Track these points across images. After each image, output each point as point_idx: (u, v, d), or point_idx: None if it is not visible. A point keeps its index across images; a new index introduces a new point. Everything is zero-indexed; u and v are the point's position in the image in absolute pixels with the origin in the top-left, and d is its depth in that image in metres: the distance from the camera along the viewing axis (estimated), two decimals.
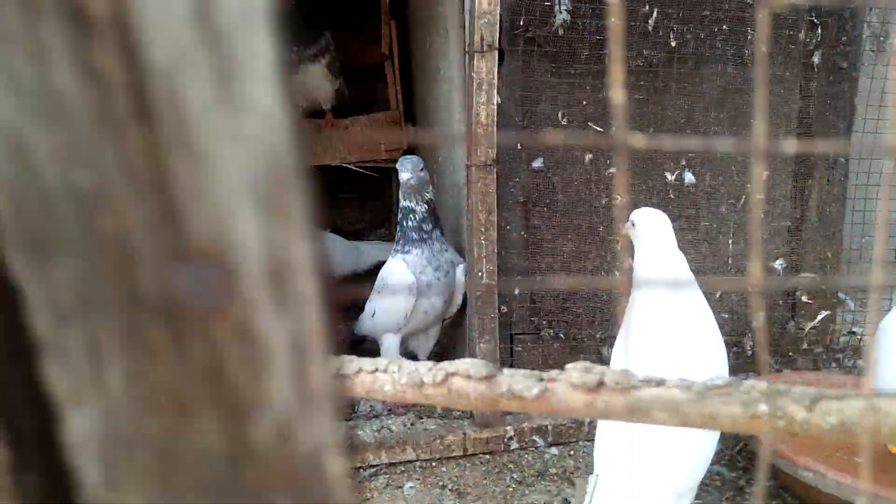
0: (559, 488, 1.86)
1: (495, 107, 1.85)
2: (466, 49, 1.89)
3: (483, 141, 1.87)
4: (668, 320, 1.39)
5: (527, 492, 1.84)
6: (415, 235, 2.14)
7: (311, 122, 3.32)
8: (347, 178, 3.40)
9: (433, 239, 2.15)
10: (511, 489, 1.86)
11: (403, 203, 2.13)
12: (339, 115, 3.34)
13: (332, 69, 3.18)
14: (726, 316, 2.14)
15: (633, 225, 1.48)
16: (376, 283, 2.25)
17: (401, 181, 2.12)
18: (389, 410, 2.30)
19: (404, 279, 2.10)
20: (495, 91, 1.85)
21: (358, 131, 3.31)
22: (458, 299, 2.22)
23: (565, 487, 1.87)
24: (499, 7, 1.81)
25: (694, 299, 1.44)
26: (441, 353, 2.43)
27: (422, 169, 2.08)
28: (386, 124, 3.35)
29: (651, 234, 1.47)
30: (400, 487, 1.87)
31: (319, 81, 3.15)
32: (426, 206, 2.12)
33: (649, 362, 1.34)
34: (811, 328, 2.18)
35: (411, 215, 2.12)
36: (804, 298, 2.18)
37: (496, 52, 1.84)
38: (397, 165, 2.12)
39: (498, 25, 1.82)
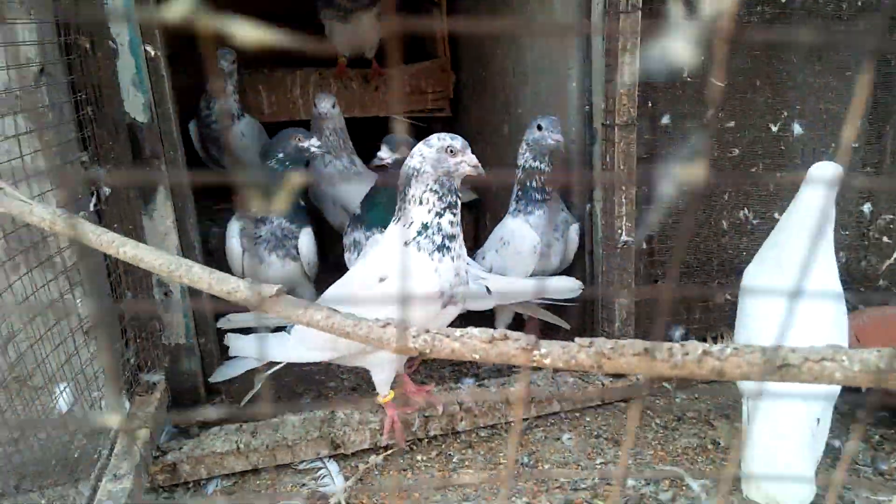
0: (703, 431, 2.01)
1: (637, 66, 1.88)
2: (608, 8, 1.89)
3: (626, 100, 1.90)
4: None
5: (675, 436, 1.99)
6: (538, 196, 2.18)
7: (358, 73, 3.22)
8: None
9: (552, 199, 2.20)
10: (659, 434, 2.00)
11: (531, 163, 2.15)
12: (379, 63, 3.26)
13: (382, 17, 3.07)
14: None
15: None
16: (491, 241, 2.29)
17: (534, 140, 2.12)
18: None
19: (529, 241, 2.15)
20: (638, 51, 1.87)
21: (404, 81, 3.23)
22: (570, 257, 2.30)
23: (708, 430, 2.02)
24: None
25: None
26: None
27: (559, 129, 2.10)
28: (433, 73, 3.29)
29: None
30: (558, 439, 1.98)
31: (369, 29, 3.05)
32: (551, 167, 2.16)
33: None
34: (888, 266, 2.39)
35: (537, 176, 2.15)
36: (885, 239, 2.37)
37: (639, 13, 1.85)
38: (538, 122, 2.12)
39: None
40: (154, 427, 1.93)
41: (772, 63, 2.14)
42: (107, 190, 1.89)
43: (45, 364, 1.58)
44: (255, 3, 3.47)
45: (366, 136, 3.33)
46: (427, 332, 0.82)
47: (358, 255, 2.19)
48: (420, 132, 3.47)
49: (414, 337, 0.82)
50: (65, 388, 1.67)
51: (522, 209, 2.19)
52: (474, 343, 0.79)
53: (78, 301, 1.75)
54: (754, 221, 2.25)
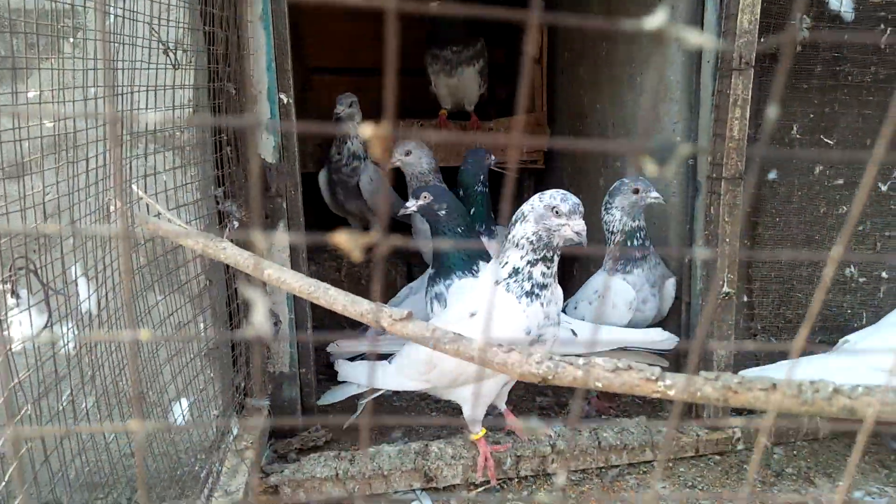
0: (803, 487, 1.95)
1: (747, 122, 1.91)
2: (720, 65, 1.94)
3: (734, 155, 1.93)
4: None
5: (774, 490, 1.93)
6: (637, 254, 2.18)
7: (458, 125, 3.37)
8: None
9: (651, 254, 2.22)
10: (757, 489, 1.94)
11: (630, 224, 2.17)
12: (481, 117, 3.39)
13: (483, 73, 3.23)
14: None
15: None
16: (584, 293, 2.32)
17: (631, 203, 2.14)
18: (598, 411, 2.38)
19: (625, 296, 2.17)
20: (748, 107, 1.91)
21: (502, 132, 3.36)
22: (665, 311, 2.30)
23: (809, 487, 1.95)
24: (757, 27, 1.86)
25: None
26: None
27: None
28: (530, 126, 3.41)
29: None
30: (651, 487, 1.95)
31: (471, 84, 3.20)
32: (646, 225, 2.19)
33: None
34: None
35: (638, 234, 2.17)
36: None
37: (752, 71, 1.89)
38: (632, 186, 2.14)
39: (755, 44, 1.87)
40: (258, 450, 2.03)
41: (883, 122, 2.12)
42: (236, 223, 2.05)
43: (172, 383, 1.71)
44: (364, 55, 3.74)
45: None
46: (550, 358, 0.87)
47: (444, 306, 2.21)
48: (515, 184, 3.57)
49: (538, 363, 0.87)
50: (186, 405, 1.79)
51: (621, 269, 2.21)
52: (598, 372, 0.82)
53: (201, 325, 1.90)
54: (860, 280, 2.19)
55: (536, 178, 3.70)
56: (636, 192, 2.14)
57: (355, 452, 2.02)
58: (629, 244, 2.19)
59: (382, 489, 1.97)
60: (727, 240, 1.98)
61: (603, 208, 2.22)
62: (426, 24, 3.23)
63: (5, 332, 0.88)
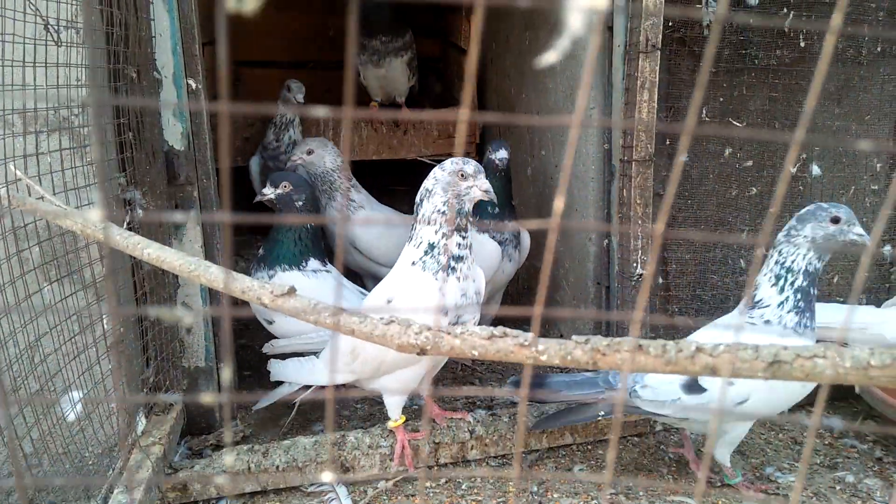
0: (716, 465, 1.97)
1: (656, 104, 1.93)
2: (627, 49, 1.96)
3: (643, 136, 1.95)
4: None
5: (689, 470, 1.94)
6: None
7: (389, 116, 3.34)
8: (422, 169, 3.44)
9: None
10: (673, 469, 1.96)
11: (815, 264, 1.70)
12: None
13: (412, 65, 3.21)
14: None
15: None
16: None
17: (827, 236, 1.69)
18: None
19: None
20: (656, 89, 1.93)
21: (433, 125, 3.34)
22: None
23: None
24: (662, 9, 1.88)
25: None
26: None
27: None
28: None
29: None
30: (569, 469, 1.95)
31: (399, 75, 3.18)
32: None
33: None
34: None
35: (814, 284, 1.73)
36: None
37: (658, 52, 1.91)
38: (832, 214, 1.69)
39: (661, 27, 1.89)
40: (168, 446, 1.95)
41: (791, 105, 2.17)
42: (140, 212, 1.98)
43: (64, 372, 1.63)
44: (292, 48, 3.68)
45: (398, 178, 3.43)
46: (429, 329, 0.84)
47: None
48: None
49: (416, 333, 0.84)
50: (79, 398, 1.70)
51: (808, 323, 1.70)
52: (474, 340, 0.80)
53: (103, 315, 1.82)
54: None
55: None
56: (836, 221, 1.67)
57: (269, 446, 1.96)
58: (805, 297, 1.68)
59: (298, 482, 1.92)
60: (639, 221, 1.99)
61: (783, 234, 1.72)
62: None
63: None
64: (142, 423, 1.99)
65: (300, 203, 2.19)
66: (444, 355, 0.85)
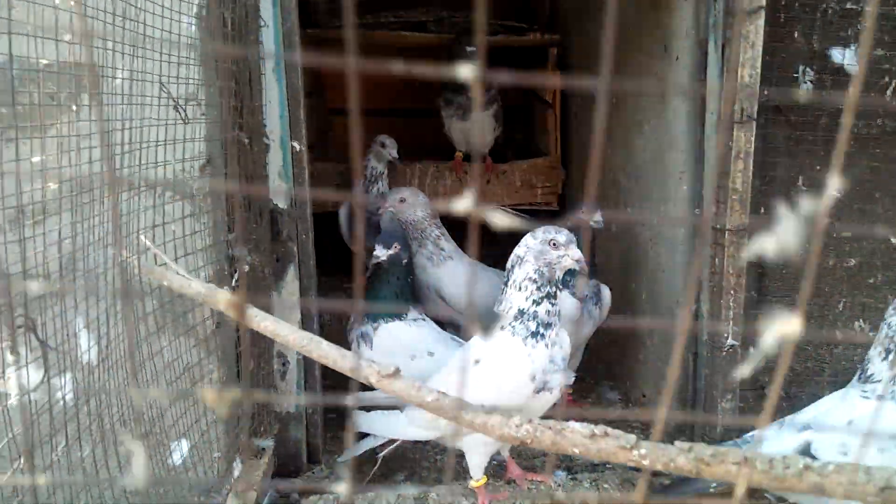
0: None
1: (750, 174, 1.92)
2: (721, 118, 1.96)
3: (738, 206, 1.93)
4: None
5: None
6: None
7: (473, 167, 3.42)
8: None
9: None
10: None
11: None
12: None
13: (498, 117, 3.28)
14: None
15: None
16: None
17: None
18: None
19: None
20: (751, 160, 1.92)
21: (516, 175, 3.39)
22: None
23: None
24: (758, 80, 1.88)
25: None
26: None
27: None
28: (543, 169, 3.44)
29: None
30: None
31: (485, 128, 3.25)
32: None
33: None
34: None
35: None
36: None
37: (753, 123, 1.91)
38: None
39: (757, 97, 1.89)
40: (260, 491, 2.04)
41: (892, 174, 2.11)
42: (246, 267, 2.11)
43: (178, 423, 1.74)
44: (381, 97, 3.82)
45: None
46: (530, 422, 0.88)
47: (370, 346, 2.28)
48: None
49: (517, 426, 0.89)
50: (187, 447, 1.81)
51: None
52: (575, 438, 0.83)
53: (212, 367, 1.94)
54: (870, 333, 2.16)
55: (551, 219, 3.71)
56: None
57: (354, 497, 2.03)
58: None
59: None
60: (731, 292, 1.97)
61: (893, 307, 1.68)
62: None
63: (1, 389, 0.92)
64: (238, 467, 2.10)
65: (405, 260, 2.31)
66: (543, 448, 0.88)
